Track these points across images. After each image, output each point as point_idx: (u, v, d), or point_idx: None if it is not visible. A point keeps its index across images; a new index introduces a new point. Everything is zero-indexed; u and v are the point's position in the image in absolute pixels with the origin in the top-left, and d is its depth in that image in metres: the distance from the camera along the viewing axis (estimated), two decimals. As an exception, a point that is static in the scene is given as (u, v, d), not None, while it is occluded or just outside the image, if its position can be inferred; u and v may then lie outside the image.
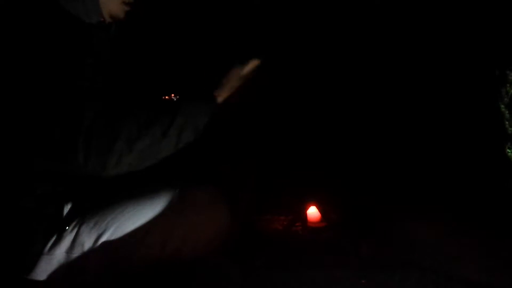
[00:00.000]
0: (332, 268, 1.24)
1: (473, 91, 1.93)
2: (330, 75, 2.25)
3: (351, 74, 2.23)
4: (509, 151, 1.49)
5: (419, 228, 1.46)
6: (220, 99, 1.12)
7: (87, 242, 1.01)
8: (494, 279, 1.14)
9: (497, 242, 1.32)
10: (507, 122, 1.51)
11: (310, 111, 2.24)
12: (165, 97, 1.26)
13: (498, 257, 1.24)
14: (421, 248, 1.32)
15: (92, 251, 1.01)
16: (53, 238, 1.01)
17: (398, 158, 1.98)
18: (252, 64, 1.18)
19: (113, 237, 1.01)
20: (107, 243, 1.01)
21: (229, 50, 2.16)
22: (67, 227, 1.02)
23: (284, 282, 1.19)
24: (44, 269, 1.00)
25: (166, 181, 1.11)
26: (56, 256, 1.01)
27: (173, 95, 1.39)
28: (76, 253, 1.01)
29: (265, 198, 1.77)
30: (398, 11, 2.15)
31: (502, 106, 1.53)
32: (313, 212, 1.59)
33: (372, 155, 2.02)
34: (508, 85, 1.52)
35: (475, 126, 1.88)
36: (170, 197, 1.07)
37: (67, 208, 1.04)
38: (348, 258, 1.31)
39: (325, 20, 2.23)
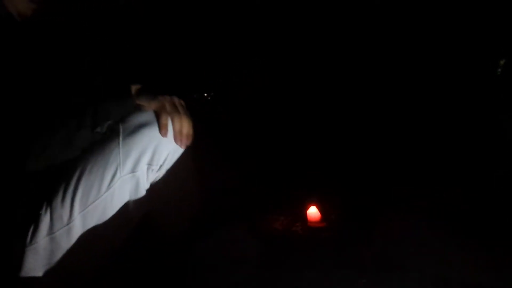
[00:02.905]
0: (332, 268, 1.24)
1: (473, 92, 1.93)
2: (330, 75, 2.25)
3: (351, 74, 2.23)
4: None
5: (419, 228, 1.46)
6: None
7: (64, 213, 1.00)
8: (494, 281, 1.14)
9: (497, 244, 1.32)
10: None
11: (309, 111, 2.24)
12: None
13: (498, 259, 1.24)
14: (421, 248, 1.32)
15: (72, 216, 1.00)
16: (31, 229, 0.99)
17: (398, 158, 1.98)
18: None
19: (85, 190, 1.00)
20: (83, 197, 1.00)
21: (229, 50, 2.16)
22: (40, 212, 1.00)
23: (284, 282, 1.19)
24: (32, 261, 0.99)
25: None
26: (40, 243, 0.99)
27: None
28: (58, 228, 1.00)
29: (265, 198, 1.77)
30: (398, 11, 2.15)
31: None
32: (313, 212, 1.59)
33: (372, 156, 2.02)
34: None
35: (476, 128, 1.88)
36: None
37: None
38: (348, 258, 1.31)
39: (325, 20, 2.23)
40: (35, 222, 1.00)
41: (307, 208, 1.61)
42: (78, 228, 1.01)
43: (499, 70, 1.67)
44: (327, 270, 1.23)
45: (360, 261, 1.28)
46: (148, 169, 1.05)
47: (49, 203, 1.00)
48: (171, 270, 1.23)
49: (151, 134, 1.05)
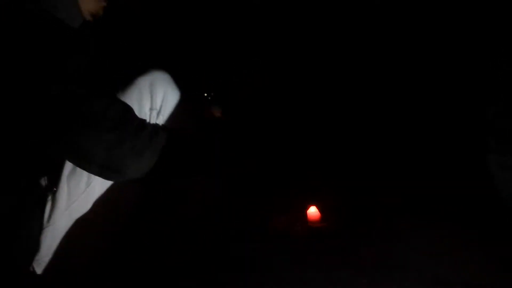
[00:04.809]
0: (332, 268, 1.24)
1: (473, 92, 1.93)
2: (330, 75, 2.25)
3: (350, 74, 2.23)
4: None
5: (419, 228, 1.46)
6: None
7: (82, 178, 1.00)
8: (494, 281, 1.14)
9: (497, 244, 1.32)
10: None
11: (310, 111, 2.24)
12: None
13: (497, 260, 1.23)
14: (420, 248, 1.32)
15: (90, 177, 1.00)
16: (48, 209, 0.99)
17: (398, 158, 1.98)
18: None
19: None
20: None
21: (229, 50, 2.16)
22: (54, 189, 1.00)
23: (284, 282, 1.19)
24: (50, 242, 0.99)
25: None
26: (59, 221, 0.99)
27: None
28: (75, 198, 1.00)
29: (265, 198, 1.77)
30: (398, 11, 2.15)
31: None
32: (313, 212, 1.59)
33: (372, 156, 2.02)
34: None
35: (476, 128, 1.88)
36: None
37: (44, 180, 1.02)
38: (348, 258, 1.31)
39: (325, 20, 2.23)
40: (52, 201, 1.00)
41: (307, 208, 1.61)
42: (97, 187, 1.02)
43: (499, 69, 1.67)
44: (327, 270, 1.23)
45: (360, 261, 1.28)
46: (150, 114, 1.10)
47: (63, 179, 1.00)
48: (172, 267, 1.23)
49: (145, 79, 1.10)
